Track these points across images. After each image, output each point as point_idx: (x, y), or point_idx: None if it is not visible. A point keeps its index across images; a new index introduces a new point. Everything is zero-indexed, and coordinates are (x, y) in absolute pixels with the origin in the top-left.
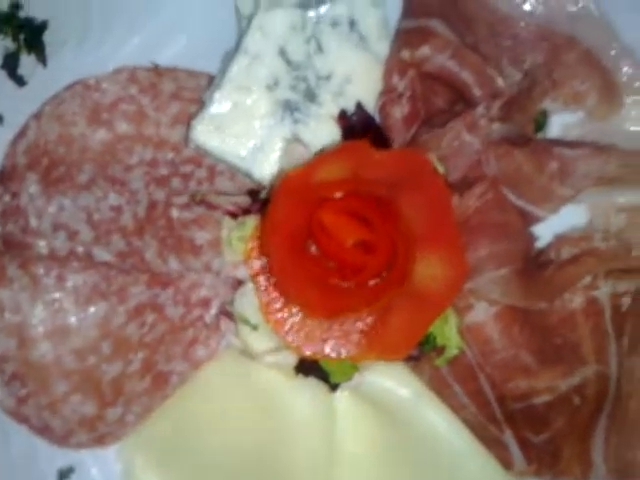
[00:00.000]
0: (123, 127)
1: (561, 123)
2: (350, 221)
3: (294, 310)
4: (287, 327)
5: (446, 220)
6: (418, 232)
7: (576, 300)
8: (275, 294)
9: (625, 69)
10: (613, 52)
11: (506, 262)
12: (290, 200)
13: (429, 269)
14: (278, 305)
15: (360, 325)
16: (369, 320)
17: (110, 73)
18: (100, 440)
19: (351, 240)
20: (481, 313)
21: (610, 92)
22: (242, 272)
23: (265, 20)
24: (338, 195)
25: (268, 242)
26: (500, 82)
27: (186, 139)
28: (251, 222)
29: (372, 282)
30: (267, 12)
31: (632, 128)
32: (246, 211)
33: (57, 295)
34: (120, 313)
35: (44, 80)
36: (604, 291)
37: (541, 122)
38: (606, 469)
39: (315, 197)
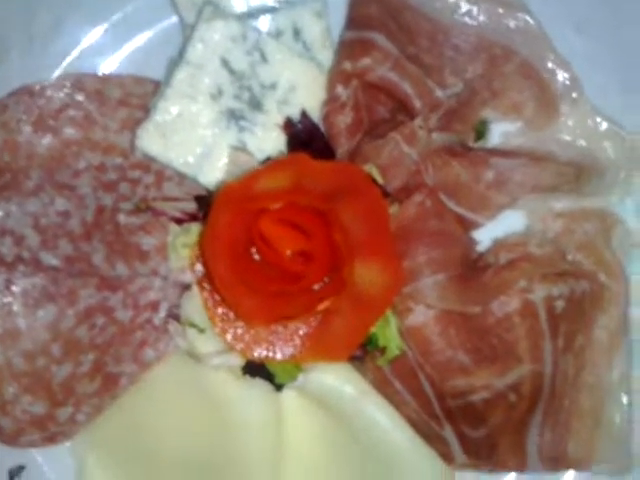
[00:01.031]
0: (70, 133)
1: (501, 132)
2: (289, 231)
3: (236, 321)
4: (232, 330)
5: (382, 229)
6: (356, 240)
7: (512, 303)
8: (220, 299)
9: (561, 80)
10: (550, 64)
11: (443, 268)
12: (229, 210)
13: (368, 275)
14: (223, 309)
15: (303, 328)
16: (312, 323)
17: (55, 80)
18: (51, 439)
19: (289, 250)
20: (420, 316)
21: (547, 103)
22: (188, 277)
23: (206, 31)
24: (277, 205)
25: (207, 251)
26: (439, 93)
27: (132, 146)
28: (196, 228)
29: (313, 287)
30: (208, 23)
31: (568, 137)
32: (193, 217)
33: (5, 299)
34: (70, 316)
35: None
36: (539, 295)
37: (481, 131)
38: (539, 461)
39: (255, 207)
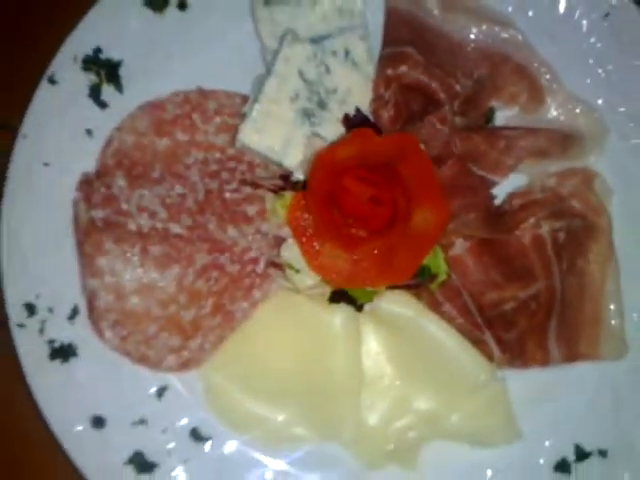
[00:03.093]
0: (181, 136)
1: (503, 117)
2: (364, 183)
3: (326, 255)
4: (322, 267)
5: (432, 181)
6: (413, 190)
7: (526, 236)
8: (311, 245)
9: (545, 76)
10: (535, 64)
11: (473, 209)
12: (322, 171)
13: (422, 216)
14: (314, 253)
15: (376, 260)
16: (383, 256)
17: (169, 96)
18: (185, 365)
19: (366, 195)
20: (459, 247)
21: (536, 93)
22: (284, 231)
23: (289, 52)
24: (354, 166)
25: (310, 201)
26: (457, 88)
27: (233, 141)
28: (288, 195)
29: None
30: (290, 47)
31: (552, 117)
32: (281, 188)
33: (142, 261)
34: (190, 273)
35: (121, 103)
36: (545, 229)
37: (489, 116)
38: (559, 356)
39: (338, 168)
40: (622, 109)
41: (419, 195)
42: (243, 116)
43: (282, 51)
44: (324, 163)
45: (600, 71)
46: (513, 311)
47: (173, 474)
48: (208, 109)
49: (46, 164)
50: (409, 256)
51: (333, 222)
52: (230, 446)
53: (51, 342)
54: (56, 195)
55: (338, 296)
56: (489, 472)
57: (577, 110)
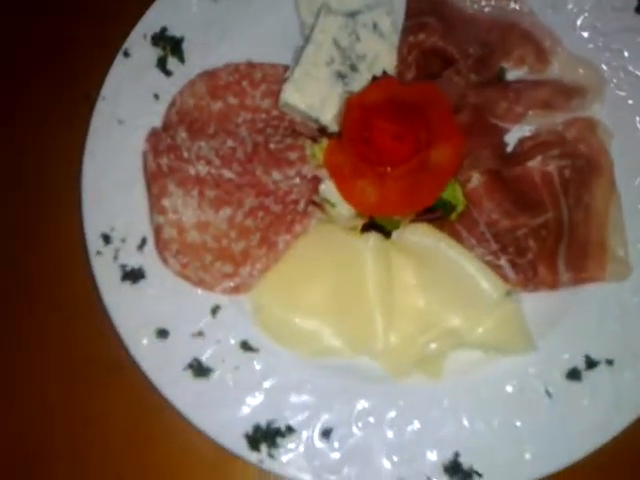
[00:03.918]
0: (232, 100)
1: (513, 76)
2: (389, 121)
3: (359, 189)
4: (355, 200)
5: (450, 122)
6: (433, 129)
7: (535, 173)
8: (345, 181)
9: (548, 41)
10: (540, 30)
11: (488, 147)
12: (353, 112)
13: (441, 152)
14: (348, 188)
15: (401, 191)
16: (407, 187)
17: (223, 67)
18: (237, 289)
19: (392, 130)
20: (475, 181)
21: (541, 55)
22: (322, 172)
23: (325, 23)
24: (381, 108)
25: (345, 142)
26: (471, 50)
27: (277, 104)
28: (325, 141)
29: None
30: (325, 18)
31: (557, 75)
32: (319, 136)
33: (199, 202)
34: (239, 214)
35: (183, 72)
36: (552, 166)
37: (501, 76)
38: (568, 279)
39: (367, 110)
40: (617, 64)
41: (438, 133)
42: (285, 81)
43: (319, 22)
44: (354, 106)
45: (598, 34)
46: (525, 237)
47: (225, 378)
48: (255, 78)
49: (120, 122)
50: (430, 187)
51: (364, 159)
52: (272, 356)
53: (123, 267)
54: (128, 147)
55: (369, 226)
56: (508, 385)
57: (580, 70)
